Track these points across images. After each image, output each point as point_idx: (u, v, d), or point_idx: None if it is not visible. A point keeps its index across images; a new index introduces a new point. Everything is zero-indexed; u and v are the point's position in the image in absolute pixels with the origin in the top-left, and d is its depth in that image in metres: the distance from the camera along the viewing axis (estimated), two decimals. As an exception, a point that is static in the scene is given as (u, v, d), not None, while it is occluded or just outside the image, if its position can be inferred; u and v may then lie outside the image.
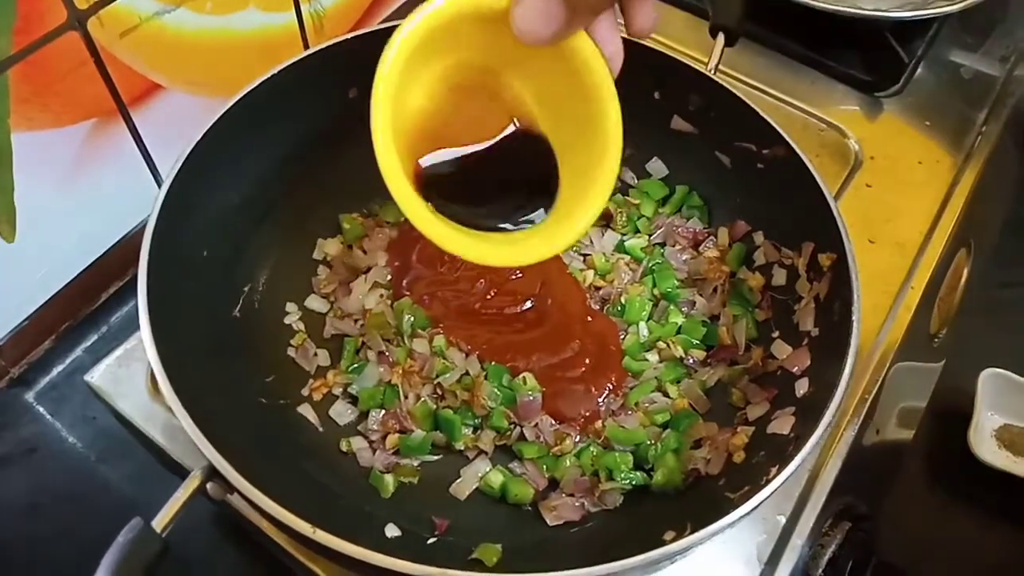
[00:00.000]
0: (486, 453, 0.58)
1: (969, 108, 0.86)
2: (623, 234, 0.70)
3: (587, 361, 0.62)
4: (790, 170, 0.59)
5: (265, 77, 0.58)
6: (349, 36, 0.62)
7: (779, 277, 0.63)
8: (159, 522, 0.42)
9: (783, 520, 0.58)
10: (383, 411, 0.59)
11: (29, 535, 0.62)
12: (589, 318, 0.65)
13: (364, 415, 0.60)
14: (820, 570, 0.59)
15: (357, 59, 0.63)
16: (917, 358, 0.79)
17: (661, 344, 0.63)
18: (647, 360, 0.63)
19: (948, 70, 0.89)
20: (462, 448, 0.59)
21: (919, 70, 0.88)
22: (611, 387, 0.61)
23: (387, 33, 0.63)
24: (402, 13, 0.88)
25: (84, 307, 0.71)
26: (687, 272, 0.67)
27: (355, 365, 0.61)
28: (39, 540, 0.61)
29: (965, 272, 0.85)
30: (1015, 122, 0.88)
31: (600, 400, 0.60)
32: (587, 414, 0.60)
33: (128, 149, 0.67)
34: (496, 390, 0.59)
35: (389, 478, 0.56)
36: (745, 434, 0.56)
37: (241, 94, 0.57)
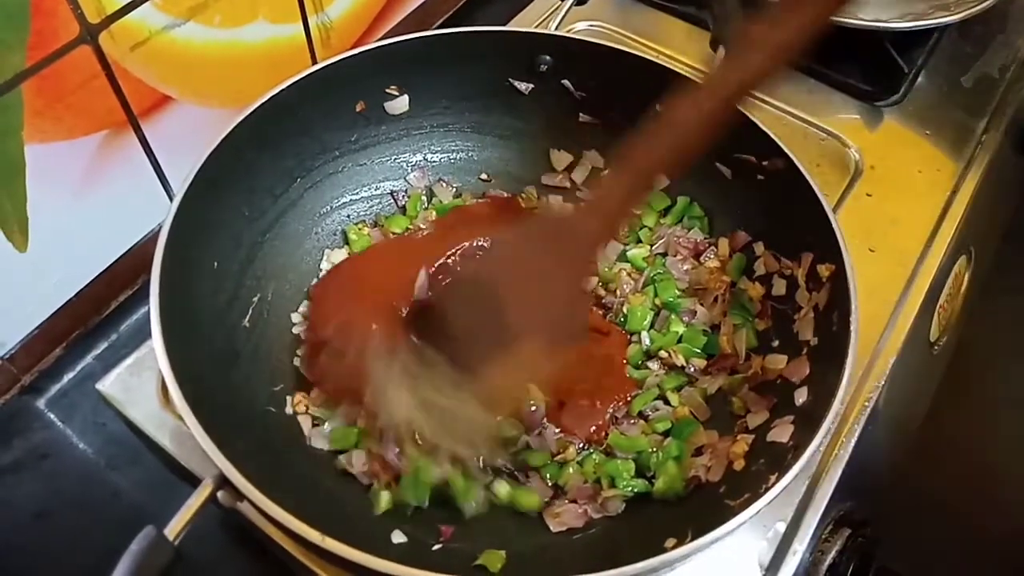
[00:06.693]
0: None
1: (969, 117, 0.86)
2: (625, 244, 0.70)
3: (596, 377, 0.62)
4: (790, 182, 0.60)
5: (273, 93, 0.59)
6: (355, 52, 0.63)
7: (779, 287, 0.63)
8: (171, 530, 0.43)
9: (783, 526, 0.58)
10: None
11: (40, 540, 0.62)
12: (598, 331, 0.65)
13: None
14: (820, 576, 0.59)
15: (363, 74, 0.65)
16: (918, 365, 0.79)
17: (663, 353, 0.64)
18: (649, 368, 0.64)
19: (948, 80, 0.89)
20: None
21: (919, 80, 0.89)
22: (618, 400, 0.62)
23: (390, 49, 0.64)
24: (407, 24, 0.88)
25: (94, 315, 0.71)
26: (688, 282, 0.67)
27: None
28: (50, 545, 0.62)
29: (965, 279, 0.86)
30: (1015, 130, 0.88)
31: (607, 412, 0.61)
32: (595, 428, 0.60)
33: (139, 159, 0.67)
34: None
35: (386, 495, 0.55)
36: (745, 442, 0.56)
37: (250, 109, 0.58)
